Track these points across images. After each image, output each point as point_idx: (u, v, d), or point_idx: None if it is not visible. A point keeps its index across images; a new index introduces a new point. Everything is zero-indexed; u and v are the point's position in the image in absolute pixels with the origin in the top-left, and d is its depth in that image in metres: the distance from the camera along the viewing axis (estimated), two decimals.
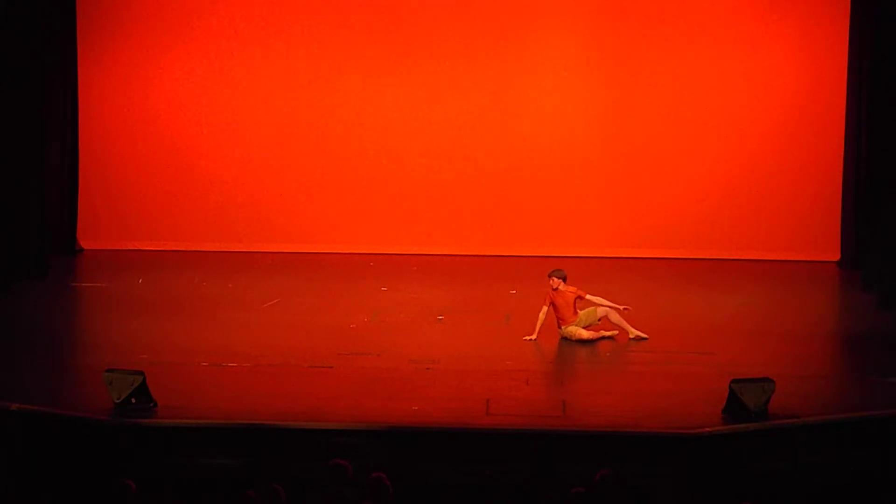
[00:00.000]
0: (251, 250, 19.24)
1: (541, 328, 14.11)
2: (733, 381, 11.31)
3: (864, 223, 17.86)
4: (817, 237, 19.03)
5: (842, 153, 18.62)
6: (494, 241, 19.41)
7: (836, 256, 18.80)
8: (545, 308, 14.14)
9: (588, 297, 14.24)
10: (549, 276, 14.24)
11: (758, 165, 19.15)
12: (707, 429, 10.99)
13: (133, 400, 11.31)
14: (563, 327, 14.16)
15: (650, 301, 16.17)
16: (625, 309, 14.20)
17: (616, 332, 14.19)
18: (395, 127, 19.44)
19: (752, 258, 19.01)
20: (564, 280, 14.22)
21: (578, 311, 14.21)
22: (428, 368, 12.90)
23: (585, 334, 14.09)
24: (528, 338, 14.09)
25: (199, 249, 19.30)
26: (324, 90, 19.37)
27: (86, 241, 19.47)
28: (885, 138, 16.96)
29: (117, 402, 11.30)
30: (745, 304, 16.17)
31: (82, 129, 19.21)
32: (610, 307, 14.18)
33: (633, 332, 14.15)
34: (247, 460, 10.84)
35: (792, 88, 19.05)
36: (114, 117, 19.47)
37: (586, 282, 14.71)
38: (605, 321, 14.20)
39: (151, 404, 11.37)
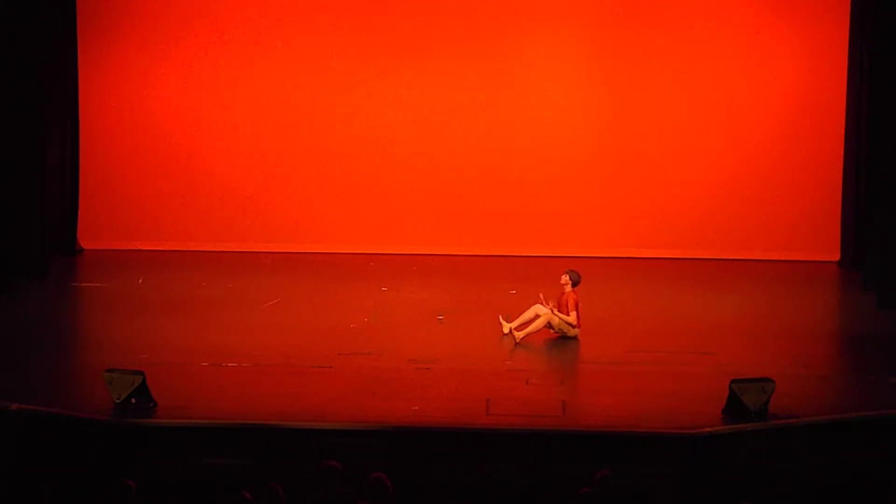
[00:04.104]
0: (251, 250, 19.22)
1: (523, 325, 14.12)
2: (733, 381, 11.32)
3: (864, 223, 17.84)
4: (817, 237, 19.01)
5: (842, 153, 18.62)
6: (494, 241, 19.39)
7: (836, 256, 18.80)
8: (547, 309, 14.15)
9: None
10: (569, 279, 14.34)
11: (758, 165, 19.13)
12: (707, 429, 10.99)
13: (133, 400, 11.33)
14: (559, 314, 14.15)
15: (650, 301, 16.18)
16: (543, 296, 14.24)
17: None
18: (395, 127, 19.41)
19: (752, 258, 18.99)
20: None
21: (572, 312, 14.25)
22: (428, 368, 12.89)
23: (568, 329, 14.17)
24: (505, 329, 14.08)
25: (199, 249, 19.27)
26: (323, 90, 19.35)
27: (86, 241, 19.46)
28: (885, 138, 16.93)
29: (117, 402, 11.31)
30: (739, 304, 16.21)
31: (82, 129, 19.20)
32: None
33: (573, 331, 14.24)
34: (247, 460, 10.83)
35: (792, 88, 19.03)
36: (114, 117, 19.45)
37: (587, 282, 14.68)
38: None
39: (151, 404, 11.38)
